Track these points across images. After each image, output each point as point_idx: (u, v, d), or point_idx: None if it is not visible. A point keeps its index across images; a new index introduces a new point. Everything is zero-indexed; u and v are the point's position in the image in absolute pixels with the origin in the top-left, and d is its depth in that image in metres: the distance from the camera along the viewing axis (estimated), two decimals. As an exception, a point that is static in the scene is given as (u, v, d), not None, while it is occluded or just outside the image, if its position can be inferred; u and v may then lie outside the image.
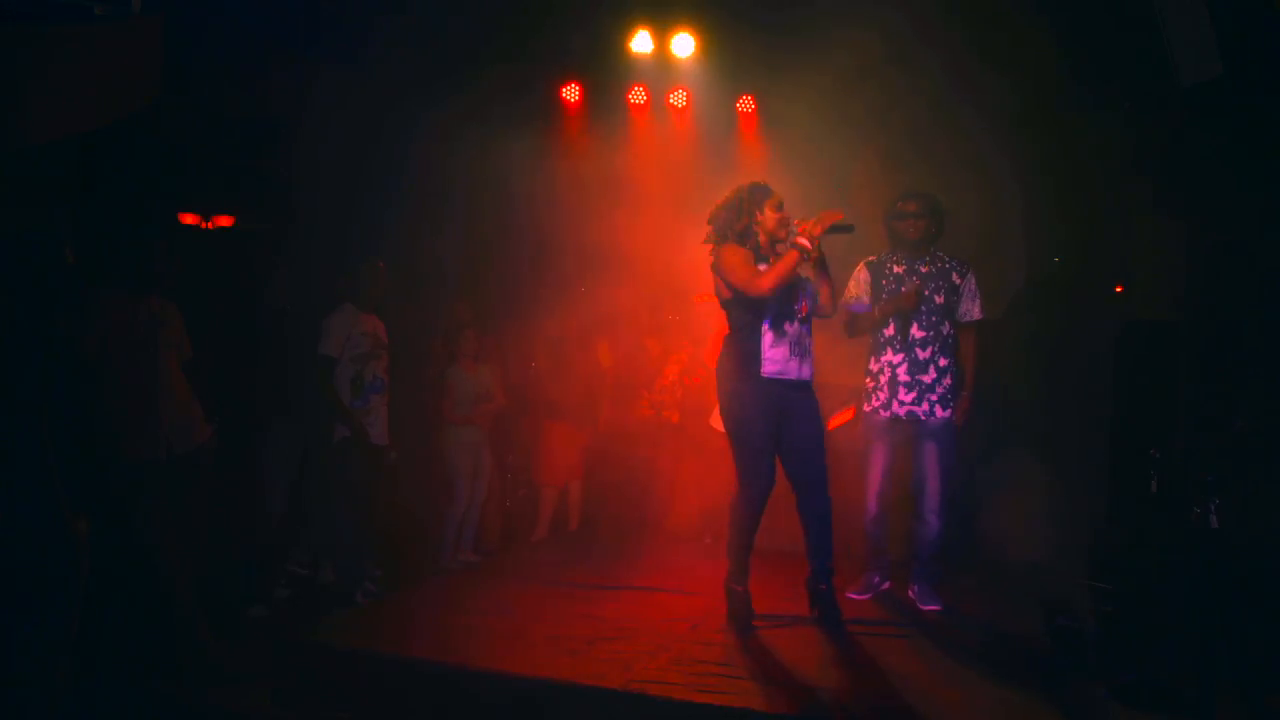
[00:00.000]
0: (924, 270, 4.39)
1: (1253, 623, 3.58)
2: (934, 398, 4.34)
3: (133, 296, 4.08)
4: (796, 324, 4.01)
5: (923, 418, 4.33)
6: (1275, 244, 4.46)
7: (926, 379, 4.33)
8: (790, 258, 3.83)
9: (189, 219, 6.77)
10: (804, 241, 3.81)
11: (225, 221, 6.94)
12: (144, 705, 3.72)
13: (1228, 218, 4.64)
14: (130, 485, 3.86)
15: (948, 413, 4.36)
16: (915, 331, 4.34)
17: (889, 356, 4.39)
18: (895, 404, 4.36)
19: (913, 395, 4.34)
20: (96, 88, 4.19)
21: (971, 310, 4.39)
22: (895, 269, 4.44)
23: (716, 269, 4.03)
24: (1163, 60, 4.17)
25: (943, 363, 4.34)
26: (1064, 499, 4.51)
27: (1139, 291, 5.31)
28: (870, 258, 4.53)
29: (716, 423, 5.17)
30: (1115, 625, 3.86)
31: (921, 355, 4.34)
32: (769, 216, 4.00)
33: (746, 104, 6.82)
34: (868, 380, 4.49)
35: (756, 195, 4.01)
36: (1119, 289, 5.54)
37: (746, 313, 4.00)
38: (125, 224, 4.72)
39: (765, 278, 3.84)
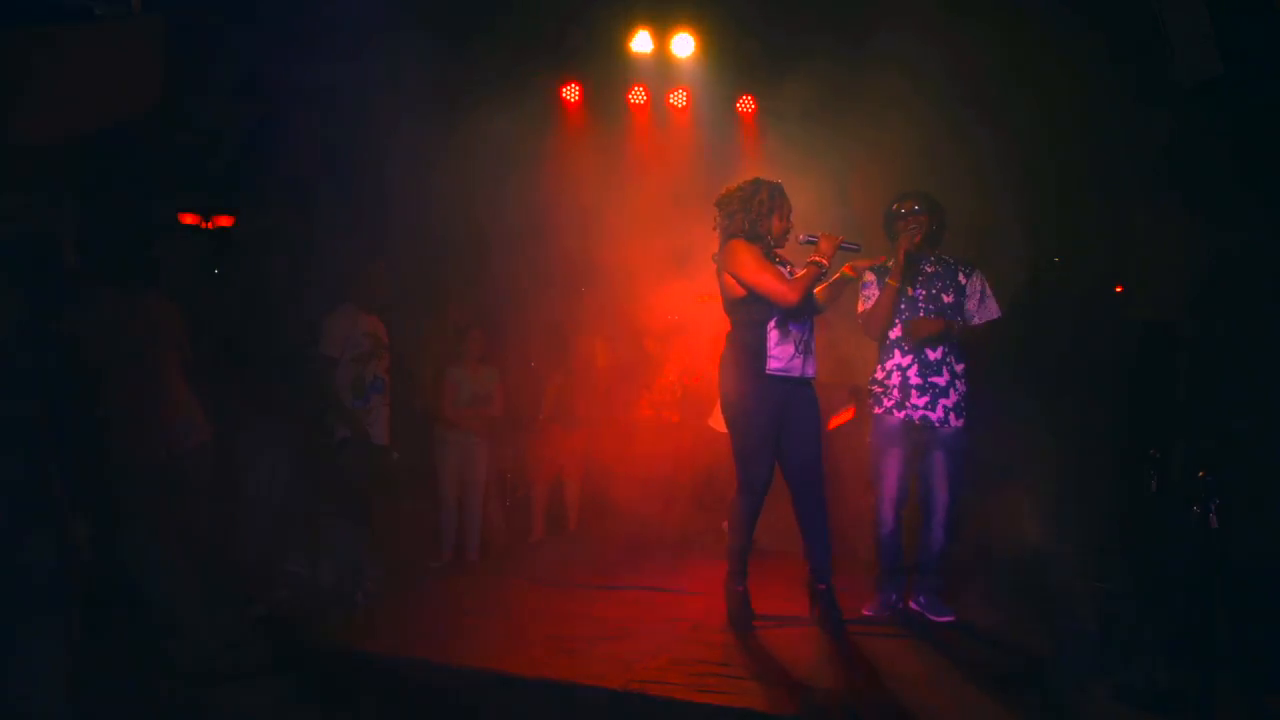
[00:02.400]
0: (929, 270, 4.22)
1: (1253, 623, 3.58)
2: (948, 403, 4.11)
3: (133, 296, 4.08)
4: (803, 323, 4.02)
5: (936, 425, 4.11)
6: (1275, 244, 4.46)
7: (940, 381, 4.11)
8: (811, 272, 3.90)
9: (189, 219, 6.77)
10: (823, 260, 3.91)
11: (225, 221, 6.95)
12: (144, 705, 3.72)
13: (1228, 218, 4.64)
14: (130, 485, 3.86)
15: (961, 422, 4.13)
16: None
17: (897, 359, 4.17)
18: (909, 405, 4.13)
19: (925, 399, 4.11)
20: (96, 88, 4.19)
21: (988, 310, 4.17)
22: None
23: (727, 265, 3.99)
24: (1163, 60, 4.17)
25: (958, 367, 4.14)
26: (1064, 499, 4.50)
27: (1139, 291, 5.31)
28: (875, 262, 4.26)
29: (715, 423, 5.18)
30: (1115, 625, 3.86)
31: (932, 356, 4.13)
32: (778, 223, 4.06)
33: (746, 104, 6.84)
34: (875, 387, 4.25)
35: (777, 199, 4.07)
36: (1119, 289, 5.54)
37: (753, 310, 3.98)
38: (125, 224, 4.71)
39: (795, 289, 3.87)
